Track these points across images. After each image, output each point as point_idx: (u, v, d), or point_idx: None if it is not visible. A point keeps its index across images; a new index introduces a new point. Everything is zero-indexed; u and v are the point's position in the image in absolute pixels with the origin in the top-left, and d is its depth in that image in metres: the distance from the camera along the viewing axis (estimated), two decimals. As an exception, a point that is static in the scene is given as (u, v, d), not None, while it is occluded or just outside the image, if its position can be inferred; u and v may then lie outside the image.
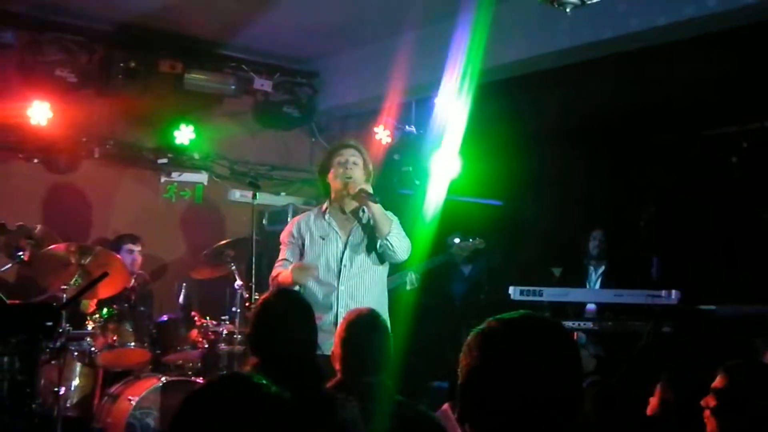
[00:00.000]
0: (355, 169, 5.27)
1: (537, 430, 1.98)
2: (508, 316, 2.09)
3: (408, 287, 7.07)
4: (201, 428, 1.94)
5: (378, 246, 5.28)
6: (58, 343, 6.43)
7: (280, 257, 5.41)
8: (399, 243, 5.31)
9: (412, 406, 3.82)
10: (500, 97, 7.89)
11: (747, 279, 8.13)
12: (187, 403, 2.00)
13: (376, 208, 5.19)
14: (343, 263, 5.25)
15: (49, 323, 4.10)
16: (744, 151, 8.50)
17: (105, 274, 4.70)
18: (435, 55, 7.33)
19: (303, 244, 5.33)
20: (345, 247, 5.28)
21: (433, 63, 7.42)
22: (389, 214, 5.32)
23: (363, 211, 5.32)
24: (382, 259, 5.36)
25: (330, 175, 5.34)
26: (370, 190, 5.27)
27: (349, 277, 5.24)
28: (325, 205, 5.41)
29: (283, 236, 5.47)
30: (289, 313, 3.73)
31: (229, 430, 1.92)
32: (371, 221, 5.28)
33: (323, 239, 5.29)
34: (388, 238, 5.24)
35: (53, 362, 6.19)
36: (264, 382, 2.02)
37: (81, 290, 4.66)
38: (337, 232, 5.32)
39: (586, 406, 2.91)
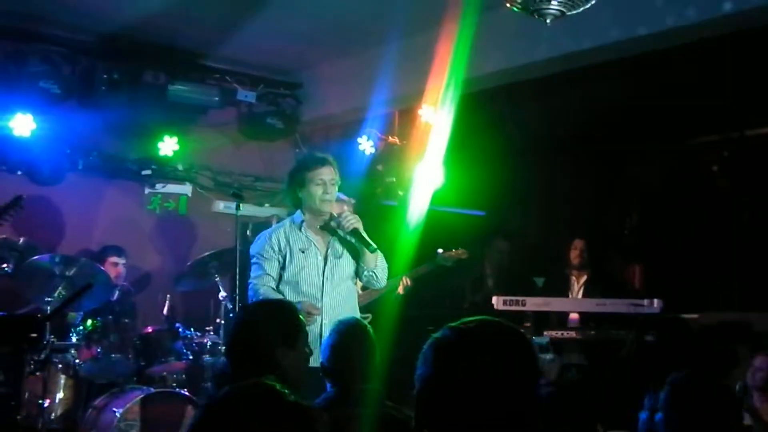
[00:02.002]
0: (333, 190, 5.26)
1: None
2: (463, 324, 2.07)
3: (399, 292, 7.10)
4: None
5: (363, 275, 5.32)
6: (42, 355, 6.46)
7: (259, 272, 5.26)
8: (383, 272, 5.38)
9: (402, 410, 3.84)
10: (483, 108, 7.94)
11: (729, 287, 8.19)
12: (207, 410, 1.99)
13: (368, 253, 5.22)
14: (325, 276, 5.23)
15: (34, 335, 4.10)
16: (725, 159, 8.55)
17: (89, 285, 4.71)
18: (418, 65, 7.37)
19: (283, 258, 5.24)
20: (325, 261, 5.25)
21: (416, 73, 7.45)
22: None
23: (339, 225, 5.27)
24: (357, 272, 5.37)
25: (305, 190, 5.25)
26: (362, 230, 5.26)
27: (331, 289, 5.22)
28: (301, 219, 5.32)
29: (259, 250, 5.31)
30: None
31: None
32: (354, 248, 5.29)
33: (303, 252, 5.23)
34: (374, 270, 5.29)
35: (37, 374, 6.19)
36: (285, 390, 2.01)
37: (65, 302, 4.66)
38: (315, 246, 5.26)
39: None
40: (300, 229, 5.27)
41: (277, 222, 7.76)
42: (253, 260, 5.32)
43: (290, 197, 5.44)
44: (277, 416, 1.93)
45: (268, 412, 1.94)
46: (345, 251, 5.31)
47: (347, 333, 4.02)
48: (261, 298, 5.09)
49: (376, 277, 5.33)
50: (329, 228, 5.29)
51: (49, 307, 6.04)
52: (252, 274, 5.30)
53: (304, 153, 8.78)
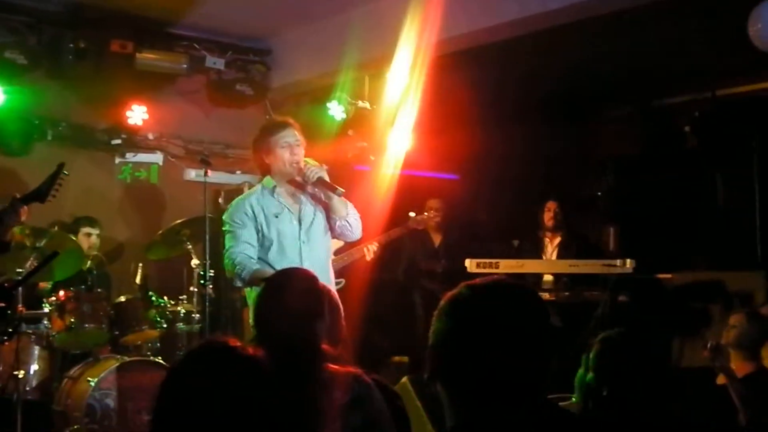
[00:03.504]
0: (299, 151, 5.23)
1: (505, 391, 2.02)
2: (479, 282, 2.14)
3: (368, 257, 7.09)
4: (185, 396, 1.99)
5: (337, 226, 5.28)
6: (13, 327, 6.44)
7: (233, 241, 5.15)
8: (356, 222, 5.33)
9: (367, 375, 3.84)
10: (454, 71, 7.90)
11: (703, 247, 8.25)
12: (170, 373, 2.07)
13: (336, 197, 5.20)
14: (301, 240, 5.19)
15: (1, 305, 4.07)
16: (696, 120, 8.57)
17: (55, 254, 4.67)
18: (387, 28, 7.35)
19: (259, 225, 5.16)
20: (300, 224, 5.21)
21: (385, 37, 7.43)
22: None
23: (304, 177, 5.20)
24: (330, 232, 5.35)
25: (272, 155, 5.21)
26: (327, 177, 5.25)
27: (309, 252, 5.19)
28: (273, 184, 5.24)
29: (233, 217, 5.21)
30: None
31: (212, 394, 1.97)
32: (326, 200, 5.26)
33: (277, 217, 5.18)
34: (347, 218, 5.26)
35: (10, 345, 6.18)
36: (238, 344, 2.09)
37: (31, 271, 4.62)
38: (289, 209, 5.21)
39: None
40: (272, 194, 5.21)
41: (249, 189, 7.73)
42: (226, 228, 5.22)
43: (258, 164, 5.39)
44: (229, 369, 2.01)
45: (222, 367, 2.01)
46: (317, 212, 5.28)
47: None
48: (239, 267, 5.02)
49: (350, 226, 5.29)
50: (295, 184, 5.25)
51: (19, 279, 6.01)
52: (227, 244, 5.19)
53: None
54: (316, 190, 5.27)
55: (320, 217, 5.28)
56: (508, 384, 2.03)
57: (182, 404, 1.98)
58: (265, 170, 5.30)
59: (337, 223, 5.25)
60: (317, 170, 5.16)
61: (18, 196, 5.12)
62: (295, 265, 4.99)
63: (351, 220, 5.28)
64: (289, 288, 3.74)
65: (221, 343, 2.09)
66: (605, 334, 3.34)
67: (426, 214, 7.68)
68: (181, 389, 2.01)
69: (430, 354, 2.12)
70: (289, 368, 3.46)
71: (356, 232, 5.40)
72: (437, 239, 8.85)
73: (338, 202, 5.20)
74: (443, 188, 9.13)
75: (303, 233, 5.20)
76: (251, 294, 5.10)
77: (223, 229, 5.26)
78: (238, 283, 5.15)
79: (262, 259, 5.14)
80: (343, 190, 5.18)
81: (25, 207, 5.09)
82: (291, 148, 5.17)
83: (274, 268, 4.98)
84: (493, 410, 2.03)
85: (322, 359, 3.63)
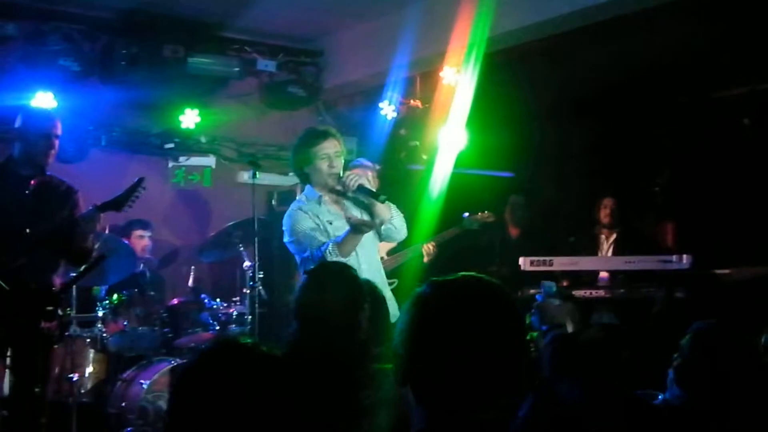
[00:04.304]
0: (339, 162, 5.15)
1: (472, 393, 1.94)
2: (443, 279, 2.05)
3: (425, 260, 7.06)
4: (200, 397, 1.95)
5: (382, 230, 5.22)
6: (69, 330, 6.54)
7: (314, 239, 5.00)
8: (401, 223, 5.29)
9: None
10: (506, 67, 7.83)
11: (763, 241, 8.05)
12: (184, 374, 2.03)
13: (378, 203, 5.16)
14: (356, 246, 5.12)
15: (49, 308, 4.12)
16: (755, 112, 8.38)
17: (102, 257, 4.71)
18: (438, 27, 7.31)
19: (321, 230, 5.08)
20: None
21: (436, 35, 7.40)
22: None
23: (344, 187, 5.13)
24: (377, 235, 5.31)
25: (311, 166, 5.13)
26: (368, 185, 5.22)
27: (365, 255, 5.14)
28: (318, 194, 5.18)
29: (300, 226, 5.06)
30: None
31: (227, 395, 1.93)
32: (368, 206, 5.22)
33: (331, 224, 5.11)
34: (391, 221, 5.22)
35: (66, 349, 6.28)
36: (252, 342, 2.06)
37: (79, 275, 4.67)
38: (339, 217, 5.15)
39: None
40: (319, 204, 5.16)
41: (301, 191, 7.71)
42: (292, 237, 5.10)
43: (297, 174, 5.34)
44: (246, 368, 1.96)
45: (241, 366, 1.97)
46: (363, 216, 5.24)
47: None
48: (324, 253, 4.90)
49: (395, 228, 5.24)
50: (336, 192, 5.20)
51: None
52: (299, 247, 5.06)
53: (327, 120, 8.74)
54: (359, 195, 5.24)
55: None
56: (475, 387, 1.94)
57: (195, 404, 1.94)
58: (305, 180, 5.25)
59: (383, 226, 5.22)
60: (357, 178, 5.11)
61: (97, 204, 5.19)
62: (353, 266, 4.99)
63: (395, 222, 5.24)
64: (330, 279, 3.73)
65: (233, 342, 2.08)
66: (698, 324, 3.28)
67: (480, 214, 7.60)
68: (194, 389, 1.97)
69: (395, 354, 2.05)
70: (330, 362, 3.45)
71: (402, 233, 5.36)
72: (514, 233, 8.81)
73: (381, 207, 5.15)
74: (498, 186, 9.06)
75: None
76: None
77: (286, 239, 5.15)
78: (334, 256, 4.92)
79: None
80: (386, 197, 5.14)
81: (101, 215, 5.15)
82: (330, 159, 5.10)
83: None
84: (460, 414, 1.94)
85: (363, 353, 3.60)
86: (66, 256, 5.38)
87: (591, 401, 2.63)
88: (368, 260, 5.15)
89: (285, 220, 5.17)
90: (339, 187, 5.15)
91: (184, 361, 6.56)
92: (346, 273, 3.93)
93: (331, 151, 5.11)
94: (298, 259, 5.16)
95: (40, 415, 5.06)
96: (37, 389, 4.20)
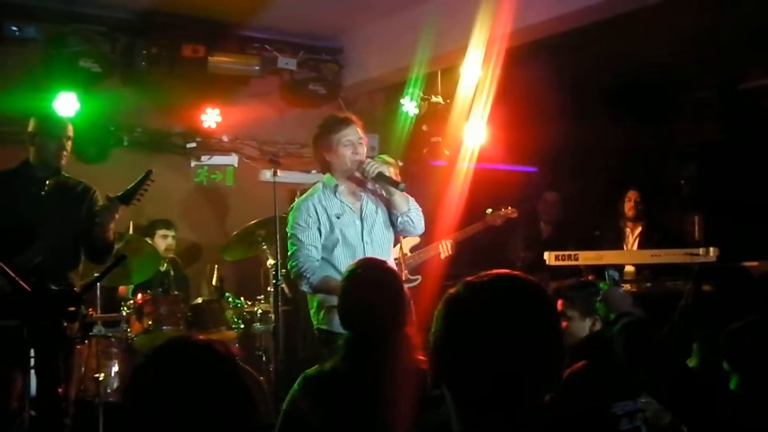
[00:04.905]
0: (362, 149, 5.13)
1: (510, 395, 1.92)
2: (477, 279, 2.01)
3: (443, 255, 7.03)
4: (148, 393, 2.05)
5: (399, 222, 5.20)
6: (94, 330, 6.55)
7: (303, 244, 5.02)
8: (418, 217, 5.25)
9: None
10: (528, 62, 7.78)
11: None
12: (135, 370, 2.16)
13: (397, 192, 5.12)
14: (364, 240, 5.11)
15: (71, 308, 4.12)
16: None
17: (123, 257, 4.70)
18: (458, 22, 7.26)
19: (321, 226, 5.06)
20: (362, 223, 5.13)
21: (456, 31, 7.35)
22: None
23: (364, 173, 5.10)
24: (392, 228, 5.27)
25: (333, 153, 5.11)
26: (387, 173, 5.20)
27: (373, 251, 5.08)
28: (335, 182, 5.15)
29: (297, 220, 5.08)
30: None
31: (173, 390, 2.02)
32: (386, 196, 5.17)
33: (339, 218, 5.08)
34: (408, 214, 5.18)
35: (85, 347, 6.29)
36: (203, 339, 2.17)
37: (100, 275, 4.67)
38: (351, 209, 5.13)
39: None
40: (335, 194, 5.12)
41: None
42: (290, 231, 5.12)
43: (318, 161, 5.29)
44: (194, 365, 2.07)
45: (187, 363, 2.08)
46: (379, 209, 5.21)
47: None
48: (308, 272, 4.94)
49: (412, 222, 5.21)
50: (356, 181, 5.17)
51: (98, 283, 6.07)
52: (292, 247, 5.09)
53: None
54: (377, 186, 5.20)
55: (381, 215, 5.22)
56: (512, 387, 1.91)
57: (146, 400, 2.02)
58: (326, 167, 5.21)
59: (399, 219, 5.18)
60: (377, 165, 5.09)
61: (110, 196, 5.21)
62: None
63: (413, 215, 5.20)
64: (369, 272, 3.67)
65: (183, 339, 2.21)
66: (737, 324, 3.23)
67: (503, 210, 7.55)
68: (143, 385, 2.06)
69: (430, 358, 2.02)
70: (377, 349, 3.40)
71: (418, 227, 5.31)
72: (547, 231, 8.81)
73: (399, 198, 5.12)
74: (521, 181, 9.01)
75: (366, 233, 5.12)
76: (314, 300, 5.06)
77: (287, 230, 5.16)
78: (305, 288, 5.03)
79: (325, 260, 5.06)
80: (404, 185, 5.11)
81: (122, 206, 5.18)
82: (354, 146, 5.08)
83: (337, 269, 4.96)
84: (498, 414, 1.92)
85: (407, 342, 3.54)
86: (87, 252, 5.45)
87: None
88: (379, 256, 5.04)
89: (291, 213, 5.18)
90: (358, 175, 5.11)
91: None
92: (380, 263, 3.88)
93: (354, 138, 5.10)
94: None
95: (64, 416, 5.07)
96: (60, 389, 4.21)
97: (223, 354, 2.10)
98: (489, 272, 2.03)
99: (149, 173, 5.32)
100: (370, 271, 3.75)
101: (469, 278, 2.03)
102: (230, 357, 2.12)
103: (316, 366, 3.61)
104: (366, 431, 3.28)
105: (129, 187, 5.28)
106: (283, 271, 6.60)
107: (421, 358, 3.49)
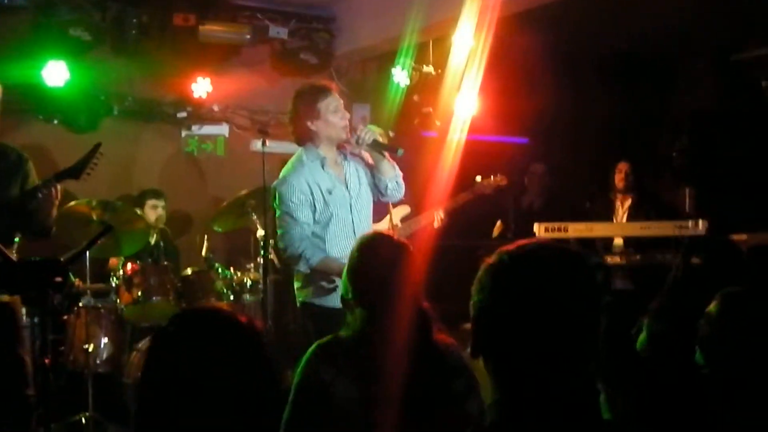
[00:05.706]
0: (347, 114, 5.07)
1: (550, 365, 1.92)
2: (518, 248, 2.00)
3: (436, 224, 7.02)
4: (170, 361, 1.98)
5: (388, 188, 5.16)
6: (83, 301, 6.56)
7: (297, 222, 4.89)
8: (401, 180, 5.24)
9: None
10: (521, 31, 7.73)
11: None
12: (155, 338, 2.08)
13: (385, 159, 5.08)
14: (353, 212, 5.04)
15: (58, 279, 4.09)
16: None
17: (109, 228, 4.68)
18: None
19: (315, 201, 4.93)
20: (350, 196, 5.06)
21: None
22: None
23: (359, 141, 5.00)
24: (380, 189, 5.21)
25: (320, 121, 4.99)
26: (380, 139, 5.18)
27: (359, 222, 5.05)
28: (322, 154, 5.02)
29: (291, 198, 4.91)
30: None
31: (196, 359, 1.96)
32: (372, 162, 5.13)
33: (330, 193, 4.97)
34: (397, 179, 5.17)
35: (73, 317, 6.30)
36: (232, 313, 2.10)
37: (85, 246, 4.64)
38: (338, 180, 5.04)
39: None
40: (322, 168, 5.00)
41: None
42: (282, 208, 4.96)
43: (299, 131, 5.12)
44: (218, 333, 2.01)
45: (214, 331, 2.02)
46: (360, 176, 5.16)
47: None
48: (307, 252, 4.84)
49: (398, 186, 5.21)
50: (340, 148, 5.12)
51: (87, 252, 6.06)
52: (285, 226, 4.94)
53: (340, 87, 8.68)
54: (356, 153, 5.17)
55: (365, 183, 5.17)
56: (553, 357, 1.91)
57: (169, 370, 1.96)
58: (308, 137, 5.05)
59: (388, 184, 5.14)
60: (371, 132, 5.02)
61: (54, 173, 5.09)
62: (349, 236, 4.94)
63: (399, 178, 5.19)
64: (380, 244, 3.60)
65: (210, 309, 2.13)
66: (727, 291, 3.22)
67: (492, 178, 7.54)
68: (168, 354, 1.99)
69: (472, 328, 2.01)
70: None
71: (402, 190, 5.28)
72: (534, 201, 8.82)
73: (387, 164, 5.09)
74: (512, 152, 8.99)
75: (354, 206, 5.05)
76: (300, 274, 5.03)
77: (276, 205, 5.02)
78: (303, 268, 4.90)
79: (316, 234, 4.97)
80: (403, 150, 5.06)
81: (58, 185, 5.05)
82: (338, 112, 5.01)
83: (330, 243, 4.94)
84: (537, 385, 1.92)
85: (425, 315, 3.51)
86: (22, 230, 5.26)
87: None
88: (363, 227, 5.03)
89: (281, 189, 4.99)
90: (352, 141, 5.05)
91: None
92: (389, 236, 3.80)
93: (339, 103, 5.04)
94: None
95: (25, 387, 5.05)
96: (47, 360, 4.20)
97: (247, 324, 2.06)
98: (530, 241, 2.03)
99: (98, 146, 5.20)
100: (385, 247, 3.67)
101: (508, 247, 2.01)
102: (255, 327, 2.09)
103: (329, 336, 3.55)
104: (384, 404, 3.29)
105: (77, 161, 5.17)
106: (272, 242, 6.60)
107: (441, 332, 3.48)
